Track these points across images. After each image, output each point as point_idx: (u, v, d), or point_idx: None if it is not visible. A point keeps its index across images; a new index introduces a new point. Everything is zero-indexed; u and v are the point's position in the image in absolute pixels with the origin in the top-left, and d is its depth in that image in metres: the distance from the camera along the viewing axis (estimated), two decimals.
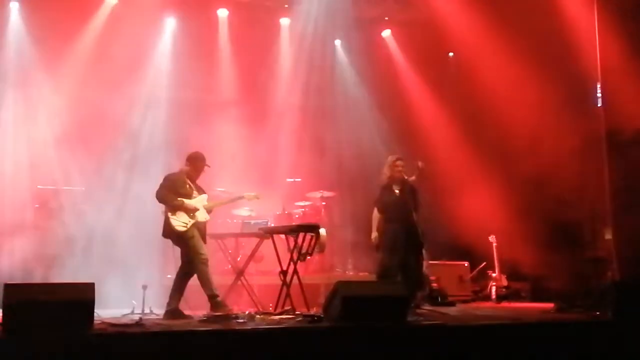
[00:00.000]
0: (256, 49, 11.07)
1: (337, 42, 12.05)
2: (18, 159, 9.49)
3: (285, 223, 9.55)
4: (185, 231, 7.34)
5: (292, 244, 7.99)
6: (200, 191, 7.69)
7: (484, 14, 10.30)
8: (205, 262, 7.29)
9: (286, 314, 7.21)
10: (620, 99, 8.86)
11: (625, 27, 9.01)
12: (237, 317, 6.82)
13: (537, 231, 9.97)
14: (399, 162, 8.23)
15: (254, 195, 8.15)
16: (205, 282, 7.23)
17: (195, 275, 7.40)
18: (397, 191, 8.21)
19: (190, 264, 7.35)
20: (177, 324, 6.57)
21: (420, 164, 8.01)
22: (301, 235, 7.92)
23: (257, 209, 9.94)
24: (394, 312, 6.30)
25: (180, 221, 7.35)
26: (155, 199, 7.46)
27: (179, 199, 7.38)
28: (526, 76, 9.76)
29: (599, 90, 9.37)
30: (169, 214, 7.37)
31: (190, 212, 7.39)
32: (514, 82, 9.94)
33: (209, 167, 7.78)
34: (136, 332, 5.87)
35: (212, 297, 7.21)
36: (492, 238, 10.24)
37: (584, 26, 9.45)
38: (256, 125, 10.80)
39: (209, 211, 7.66)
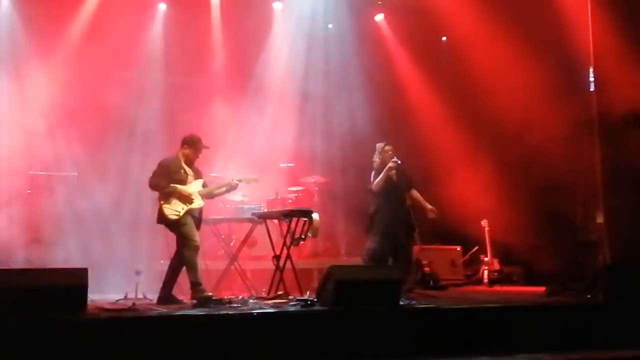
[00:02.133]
0: (249, 33, 11.00)
1: (330, 26, 11.99)
2: (11, 144, 9.44)
3: (278, 208, 9.55)
4: (178, 219, 7.27)
5: (285, 228, 8.00)
6: (197, 175, 7.61)
7: None
8: (194, 249, 7.21)
9: (279, 299, 7.23)
10: (612, 83, 8.85)
11: (619, 10, 8.99)
12: (230, 302, 6.84)
13: (529, 215, 10.00)
14: (387, 148, 8.45)
15: (253, 178, 8.03)
16: (190, 268, 7.17)
17: None
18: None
19: (182, 249, 7.32)
20: (170, 309, 6.57)
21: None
22: (294, 220, 7.93)
23: (250, 194, 9.93)
24: (387, 296, 6.34)
25: (172, 209, 7.26)
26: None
27: (171, 185, 7.30)
28: (518, 60, 9.76)
29: (591, 75, 9.36)
30: (162, 202, 7.30)
31: (184, 199, 7.33)
32: (506, 66, 9.93)
33: (208, 147, 7.69)
34: (129, 317, 5.90)
35: (195, 284, 7.12)
36: (484, 222, 10.28)
37: (576, 10, 9.43)
38: (249, 110, 10.77)
39: (213, 196, 7.61)
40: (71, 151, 9.54)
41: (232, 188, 7.84)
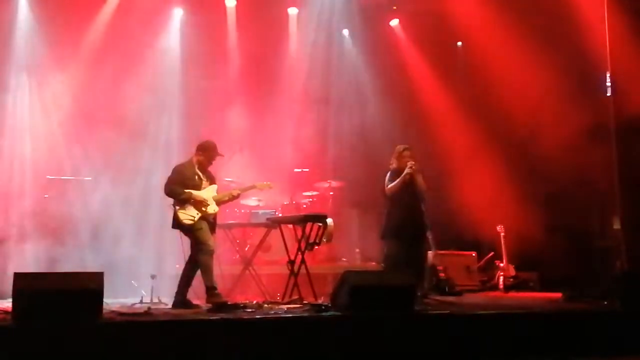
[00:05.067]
0: (264, 38, 11.05)
1: (345, 32, 12.02)
2: (29, 149, 9.54)
3: (293, 213, 9.57)
4: (193, 224, 7.29)
5: (299, 233, 8.00)
6: (211, 181, 7.62)
7: (492, 2, 10.25)
8: (209, 253, 7.24)
9: (294, 304, 7.24)
10: (630, 88, 8.80)
11: (636, 14, 8.95)
12: (245, 307, 6.85)
13: (545, 221, 9.95)
14: (406, 152, 8.25)
15: (267, 185, 8.05)
16: (205, 272, 7.20)
17: None
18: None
19: (197, 254, 7.34)
20: (185, 313, 6.60)
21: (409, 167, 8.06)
22: (309, 225, 7.94)
23: (265, 199, 9.95)
24: (401, 302, 6.31)
25: (187, 214, 7.30)
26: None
27: (186, 191, 7.32)
28: (534, 65, 9.72)
29: (608, 79, 9.31)
30: (177, 207, 7.33)
31: (199, 205, 7.34)
32: (521, 71, 9.90)
33: (222, 156, 7.69)
34: (145, 321, 5.92)
35: (210, 289, 7.15)
36: (499, 228, 10.23)
37: (593, 15, 9.39)
38: (264, 115, 10.79)
39: (219, 203, 7.60)
40: (88, 156, 9.59)
41: (233, 198, 7.85)
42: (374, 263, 9.84)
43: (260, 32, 11.02)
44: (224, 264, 8.62)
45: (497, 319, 6.47)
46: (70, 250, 8.72)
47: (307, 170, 10.70)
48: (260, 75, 11.03)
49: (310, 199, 10.46)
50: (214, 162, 7.69)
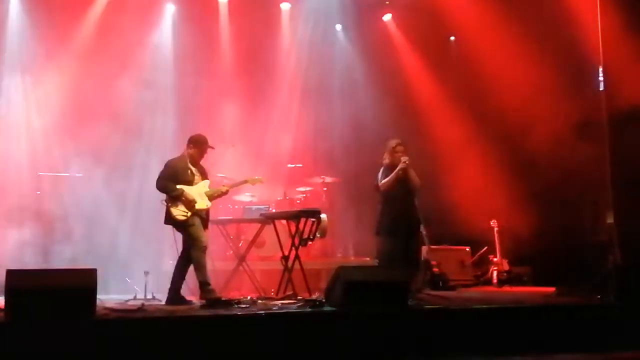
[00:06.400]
0: (257, 34, 11.02)
1: (338, 27, 11.99)
2: (20, 146, 9.50)
3: (286, 208, 9.56)
4: (185, 220, 7.27)
5: (293, 229, 8.00)
6: (204, 175, 7.60)
7: None
8: (202, 250, 7.22)
9: (288, 299, 7.24)
10: (622, 82, 8.81)
11: (628, 9, 8.96)
12: (239, 303, 6.85)
13: (538, 215, 9.96)
14: (399, 148, 8.23)
15: (258, 179, 8.04)
16: (199, 268, 7.17)
17: None
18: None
19: (190, 250, 7.32)
20: (179, 310, 6.58)
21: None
22: (302, 220, 7.94)
23: (258, 194, 9.94)
24: (395, 297, 6.33)
25: (180, 210, 7.27)
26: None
27: (179, 187, 7.28)
28: (527, 59, 9.72)
29: (600, 74, 9.32)
30: (169, 203, 7.30)
31: (188, 204, 7.29)
32: (514, 65, 9.90)
33: (213, 148, 7.68)
34: (138, 317, 5.91)
35: (204, 284, 7.12)
36: (493, 222, 10.25)
37: (586, 9, 9.39)
38: (257, 111, 10.77)
39: (210, 199, 7.58)
40: (81, 152, 9.54)
41: (222, 194, 7.79)
42: (367, 258, 9.84)
43: (252, 27, 10.99)
44: (217, 260, 8.62)
45: (490, 314, 6.49)
46: (63, 247, 8.70)
47: (301, 165, 10.69)
48: (253, 70, 11.01)
49: (304, 195, 10.45)
50: (206, 156, 7.67)
